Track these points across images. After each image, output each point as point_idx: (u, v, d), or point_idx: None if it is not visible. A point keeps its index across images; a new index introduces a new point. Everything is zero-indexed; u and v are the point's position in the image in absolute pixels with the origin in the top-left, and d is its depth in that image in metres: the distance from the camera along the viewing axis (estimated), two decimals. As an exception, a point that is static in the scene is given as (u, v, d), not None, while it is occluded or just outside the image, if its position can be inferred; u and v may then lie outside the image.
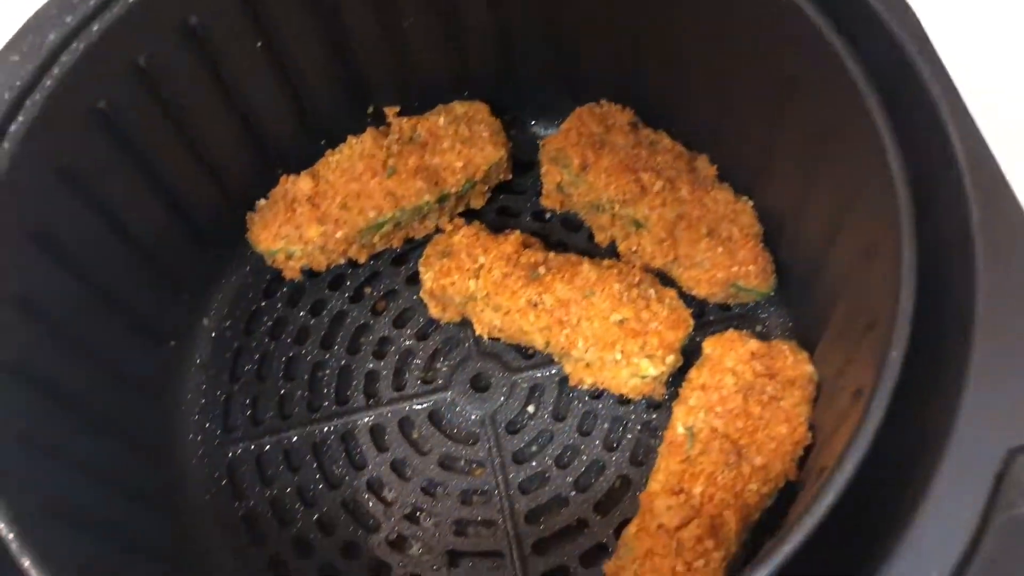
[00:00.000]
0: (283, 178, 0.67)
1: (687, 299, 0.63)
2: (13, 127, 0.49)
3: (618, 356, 0.59)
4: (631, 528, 0.56)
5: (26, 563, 0.41)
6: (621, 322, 0.60)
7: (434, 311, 0.66)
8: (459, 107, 0.69)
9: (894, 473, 0.39)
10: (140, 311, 0.62)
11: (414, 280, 0.68)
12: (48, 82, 0.50)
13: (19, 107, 0.49)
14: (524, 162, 0.71)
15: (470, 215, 0.70)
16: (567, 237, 0.70)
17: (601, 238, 0.67)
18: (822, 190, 0.54)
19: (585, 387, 0.63)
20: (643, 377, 0.60)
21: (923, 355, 0.39)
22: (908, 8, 0.45)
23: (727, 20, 0.53)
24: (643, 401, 0.63)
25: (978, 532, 0.35)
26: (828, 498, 0.36)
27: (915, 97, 0.44)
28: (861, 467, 0.38)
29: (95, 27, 0.51)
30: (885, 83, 0.45)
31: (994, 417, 0.37)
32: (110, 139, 0.54)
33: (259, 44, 0.60)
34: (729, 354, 0.59)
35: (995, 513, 0.35)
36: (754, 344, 0.59)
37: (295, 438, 0.65)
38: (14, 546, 0.42)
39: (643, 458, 0.62)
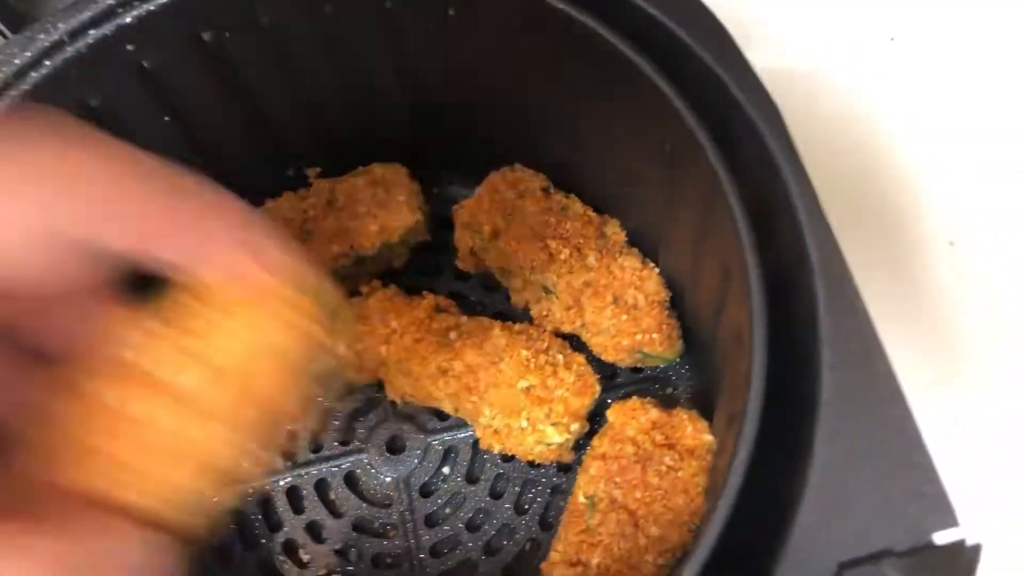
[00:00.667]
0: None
1: (598, 363, 0.64)
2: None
3: (524, 424, 0.60)
4: (531, 598, 0.57)
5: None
6: (528, 389, 0.61)
7: (348, 372, 0.67)
8: (378, 169, 0.70)
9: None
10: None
11: (334, 341, 0.68)
12: (35, 73, 0.52)
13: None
14: (446, 219, 0.72)
15: (391, 275, 0.70)
16: (485, 296, 0.71)
17: (516, 299, 0.68)
18: (707, 267, 0.55)
19: (496, 451, 0.64)
20: (548, 444, 0.60)
21: (770, 459, 0.40)
22: (773, 107, 0.46)
23: (608, 100, 0.54)
24: (553, 465, 0.64)
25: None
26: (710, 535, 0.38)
27: (782, 200, 0.45)
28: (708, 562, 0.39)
29: None
30: (751, 175, 0.46)
31: (827, 529, 0.37)
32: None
33: (166, 118, 0.61)
34: (631, 423, 0.60)
35: (821, 628, 0.35)
36: (655, 413, 0.60)
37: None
38: None
39: (552, 520, 0.63)
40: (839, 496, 0.38)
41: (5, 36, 0.66)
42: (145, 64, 0.56)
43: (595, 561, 0.56)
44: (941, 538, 0.37)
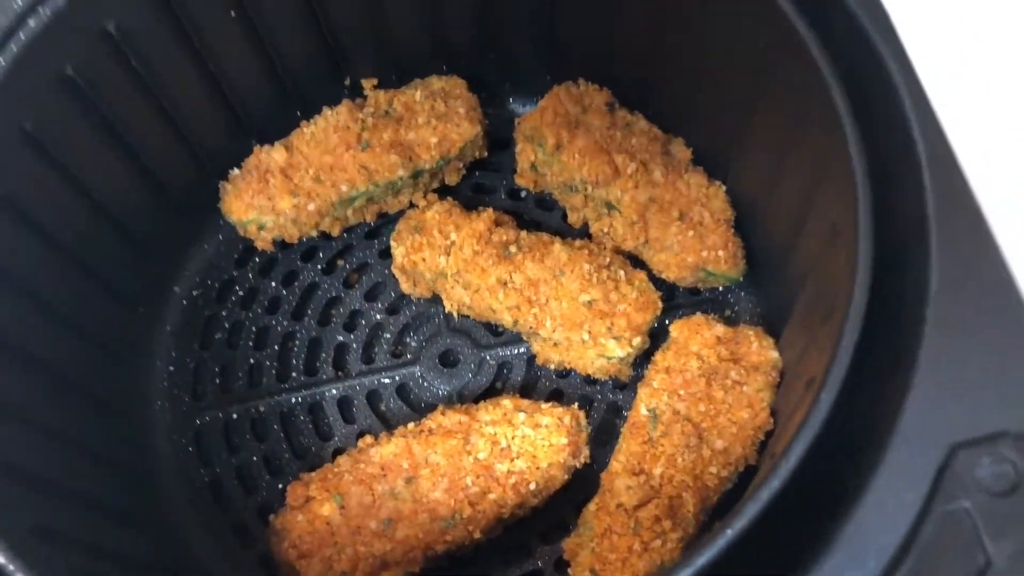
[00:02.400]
0: (256, 148, 0.66)
1: (657, 282, 0.63)
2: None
3: (585, 337, 0.60)
4: (591, 507, 0.57)
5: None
6: (589, 303, 0.60)
7: (405, 286, 0.66)
8: (436, 82, 0.68)
9: (841, 463, 0.40)
10: (108, 275, 0.61)
11: (387, 254, 0.68)
12: (14, 46, 0.49)
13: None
14: (501, 139, 0.71)
15: (444, 191, 0.70)
16: (541, 216, 0.70)
17: (574, 218, 0.67)
18: (792, 175, 0.54)
19: (552, 366, 0.63)
20: (609, 358, 0.60)
21: (875, 348, 0.40)
22: (881, 8, 0.45)
23: (707, 8, 0.53)
24: (609, 381, 0.63)
25: (917, 523, 0.35)
26: (772, 487, 0.37)
27: (883, 92, 0.44)
28: (808, 456, 0.38)
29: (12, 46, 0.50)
30: (854, 77, 0.45)
31: (940, 412, 0.37)
32: (77, 104, 0.54)
33: (233, 13, 0.59)
34: (695, 338, 0.59)
35: (934, 506, 0.35)
36: (720, 329, 0.59)
37: (263, 408, 0.65)
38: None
39: (607, 438, 0.63)
40: (951, 380, 0.37)
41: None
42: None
43: (658, 471, 0.56)
44: (1057, 421, 0.36)
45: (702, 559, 0.36)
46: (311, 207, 0.65)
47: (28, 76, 0.51)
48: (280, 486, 0.62)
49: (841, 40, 0.46)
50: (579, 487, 0.60)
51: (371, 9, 0.64)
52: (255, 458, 0.64)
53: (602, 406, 0.64)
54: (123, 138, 0.59)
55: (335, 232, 0.68)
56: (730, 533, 0.36)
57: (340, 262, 0.69)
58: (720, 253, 0.61)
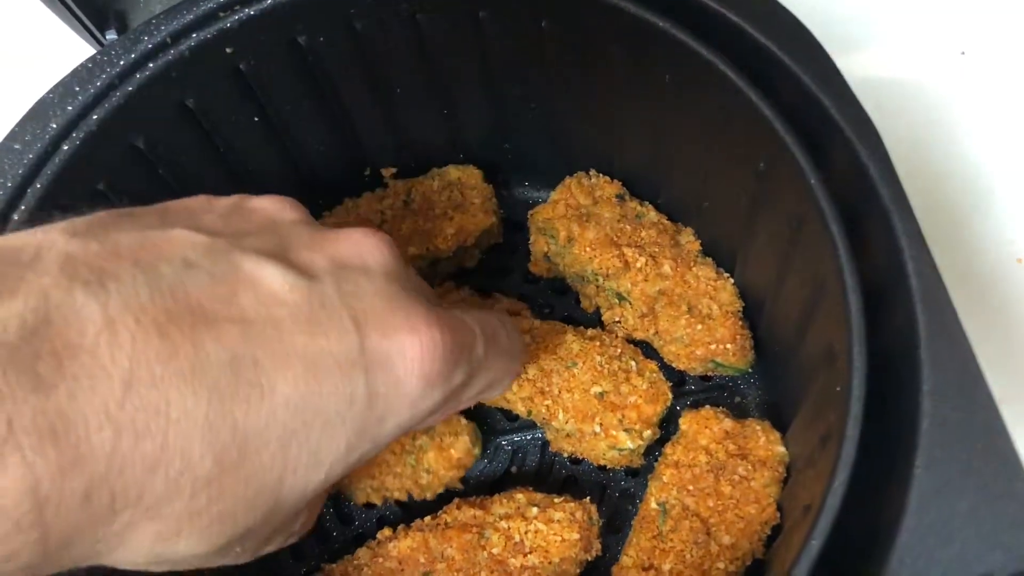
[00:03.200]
0: (280, 239, 0.69)
1: (668, 369, 0.65)
2: (15, 215, 0.51)
3: (597, 429, 0.61)
4: (602, 601, 0.58)
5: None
6: (601, 395, 0.62)
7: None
8: (453, 171, 0.71)
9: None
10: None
11: (406, 339, 0.69)
12: (49, 170, 0.52)
13: (21, 195, 0.52)
14: (516, 223, 0.73)
15: (463, 274, 0.72)
16: (555, 300, 0.71)
17: (587, 304, 0.69)
18: (795, 278, 0.55)
19: (565, 455, 0.65)
20: (620, 450, 0.61)
21: (869, 478, 0.41)
22: (870, 126, 0.46)
23: (705, 118, 0.54)
24: (621, 469, 0.65)
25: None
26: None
27: (875, 213, 0.45)
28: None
29: (94, 115, 0.53)
30: (848, 194, 0.46)
31: (928, 554, 0.38)
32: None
33: (256, 119, 0.62)
34: (704, 432, 0.60)
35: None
36: (728, 423, 0.60)
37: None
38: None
39: (620, 523, 0.64)
40: (939, 521, 0.39)
41: (100, 42, 0.67)
42: (241, 66, 0.57)
43: (667, 567, 0.57)
44: (1042, 565, 0.37)
45: None
46: (332, 297, 0.67)
47: (63, 193, 0.54)
48: (303, 571, 0.64)
49: (839, 169, 0.47)
50: (594, 577, 0.61)
51: (389, 110, 0.66)
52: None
53: (615, 494, 0.65)
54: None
55: (355, 318, 0.70)
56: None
57: (361, 346, 0.71)
58: (728, 346, 0.62)
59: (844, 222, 0.46)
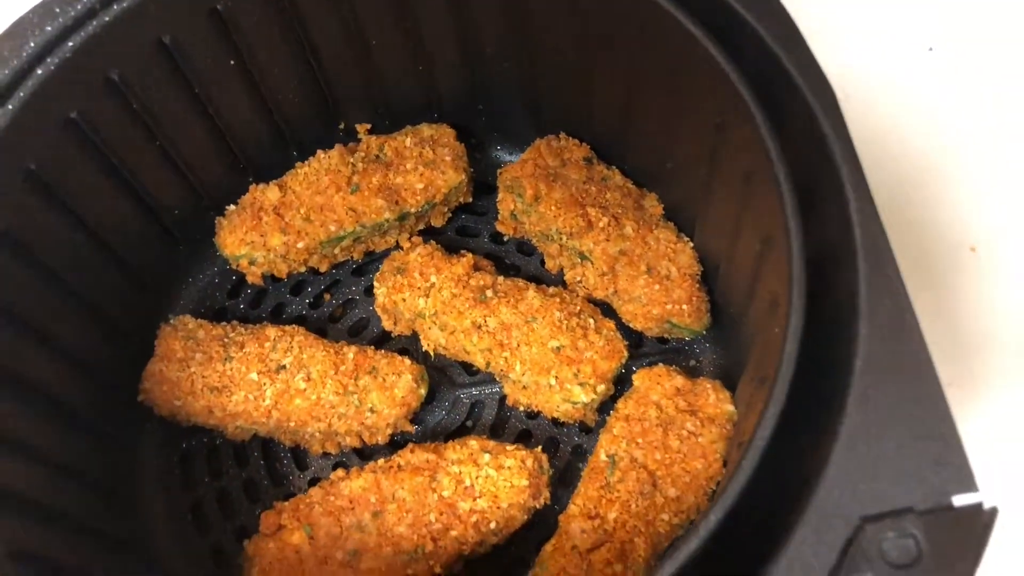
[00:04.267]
0: (252, 187, 0.70)
1: (626, 330, 0.66)
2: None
3: (552, 382, 0.63)
4: (548, 547, 0.60)
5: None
6: (558, 349, 0.63)
7: (386, 324, 0.69)
8: (426, 129, 0.72)
9: (758, 528, 0.42)
10: (104, 306, 0.65)
11: (371, 291, 0.71)
12: (22, 92, 0.53)
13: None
14: (487, 185, 0.74)
15: (430, 233, 0.73)
16: (520, 261, 0.73)
17: (551, 264, 0.70)
18: (745, 240, 0.57)
19: (521, 408, 0.66)
20: (574, 403, 0.63)
21: (801, 416, 0.43)
22: (826, 83, 0.48)
23: (670, 72, 0.56)
24: (576, 425, 0.66)
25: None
26: (690, 547, 0.40)
27: (829, 179, 0.47)
28: (729, 516, 0.41)
29: (70, 42, 0.54)
30: (803, 159, 0.48)
31: (853, 485, 0.40)
32: (80, 146, 0.58)
33: (232, 62, 0.63)
34: (655, 388, 0.62)
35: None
36: (680, 380, 0.62)
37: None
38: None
39: (571, 478, 0.65)
40: (866, 456, 0.40)
41: None
42: (219, 6, 0.58)
43: (612, 515, 0.59)
44: (960, 501, 0.39)
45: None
46: (300, 245, 0.68)
47: (34, 120, 0.54)
48: (257, 512, 0.65)
49: (795, 124, 0.49)
50: (542, 526, 0.62)
51: (365, 62, 0.67)
52: (236, 483, 0.67)
53: (567, 448, 0.67)
54: (124, 176, 0.62)
55: (323, 268, 0.71)
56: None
57: (327, 296, 0.72)
58: (684, 307, 0.64)
59: (795, 178, 0.47)
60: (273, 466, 0.67)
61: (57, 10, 0.54)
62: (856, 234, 0.44)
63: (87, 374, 0.64)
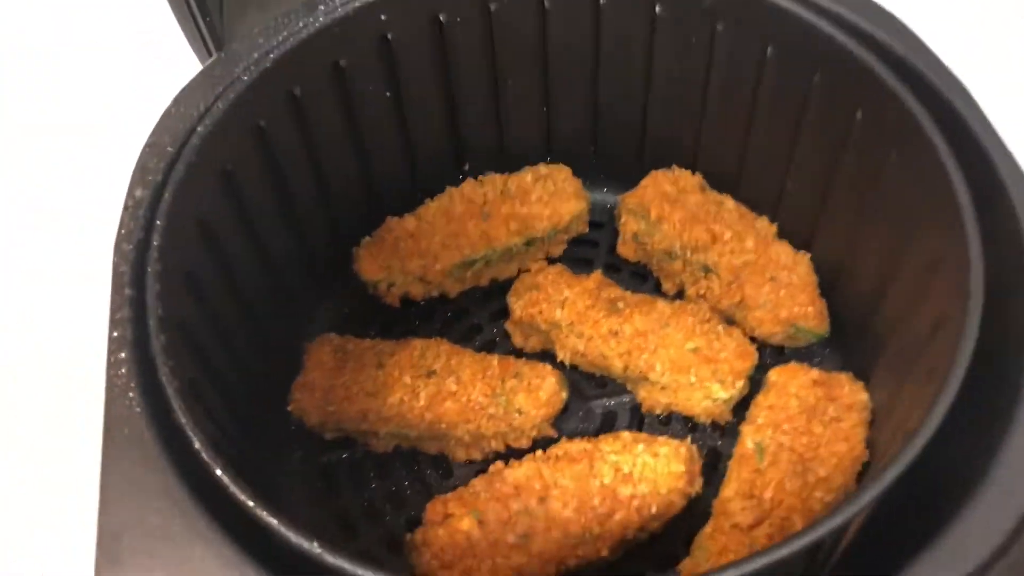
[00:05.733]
0: (389, 218, 0.75)
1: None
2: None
3: (692, 379, 0.66)
4: (706, 530, 0.61)
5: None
6: (695, 350, 0.67)
7: (517, 341, 0.73)
8: (544, 168, 0.78)
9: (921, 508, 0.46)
10: (260, 325, 0.68)
11: (498, 316, 0.75)
12: (220, 104, 0.58)
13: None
14: (595, 223, 0.79)
15: (549, 262, 0.77)
16: (636, 286, 0.77)
17: (668, 286, 0.75)
18: (869, 247, 0.63)
19: (658, 412, 0.69)
20: (714, 400, 0.66)
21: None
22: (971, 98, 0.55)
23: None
24: (708, 427, 0.69)
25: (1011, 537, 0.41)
26: (897, 467, 0.43)
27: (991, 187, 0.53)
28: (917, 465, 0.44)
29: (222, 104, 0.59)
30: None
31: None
32: (262, 154, 0.63)
33: (388, 94, 0.69)
34: (792, 381, 0.65)
35: None
36: (815, 373, 0.66)
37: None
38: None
39: (709, 477, 0.67)
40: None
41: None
42: (389, 36, 0.65)
43: (768, 495, 0.61)
44: None
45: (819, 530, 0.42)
46: (437, 267, 0.72)
47: (229, 127, 0.59)
48: (402, 519, 0.66)
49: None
50: (686, 520, 0.64)
51: (495, 109, 0.74)
52: (382, 493, 0.68)
53: (704, 450, 0.69)
54: (289, 191, 0.67)
55: (453, 294, 0.75)
56: (838, 519, 0.42)
57: (456, 323, 0.76)
58: (808, 310, 0.68)
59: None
60: (417, 476, 0.69)
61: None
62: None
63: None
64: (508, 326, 0.73)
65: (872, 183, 0.61)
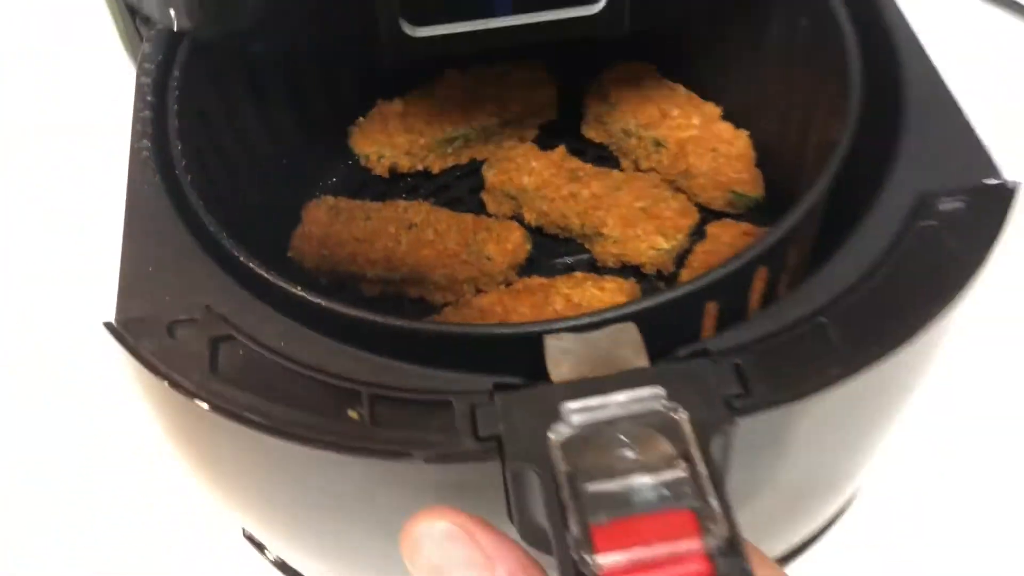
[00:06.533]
0: (380, 101, 0.85)
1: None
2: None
3: (639, 232, 0.76)
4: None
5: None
6: (643, 209, 0.77)
7: (491, 207, 0.83)
8: (521, 63, 0.88)
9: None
10: (271, 179, 0.78)
11: (476, 190, 0.84)
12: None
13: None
14: (565, 116, 0.89)
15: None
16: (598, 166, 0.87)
17: (626, 164, 0.85)
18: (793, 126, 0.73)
19: (610, 264, 0.79)
20: (658, 250, 0.76)
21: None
22: None
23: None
24: (654, 277, 0.79)
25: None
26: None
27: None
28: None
29: None
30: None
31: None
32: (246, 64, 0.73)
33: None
34: (725, 232, 0.75)
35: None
36: (746, 226, 0.76)
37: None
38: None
39: (654, 323, 0.77)
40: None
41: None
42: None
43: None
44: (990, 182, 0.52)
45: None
46: (421, 141, 0.82)
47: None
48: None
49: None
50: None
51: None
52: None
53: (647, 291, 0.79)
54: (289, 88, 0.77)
55: (436, 170, 0.85)
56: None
57: (437, 196, 0.86)
58: (745, 176, 0.78)
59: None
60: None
61: None
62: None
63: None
64: (483, 195, 0.83)
65: (788, 55, 0.71)
